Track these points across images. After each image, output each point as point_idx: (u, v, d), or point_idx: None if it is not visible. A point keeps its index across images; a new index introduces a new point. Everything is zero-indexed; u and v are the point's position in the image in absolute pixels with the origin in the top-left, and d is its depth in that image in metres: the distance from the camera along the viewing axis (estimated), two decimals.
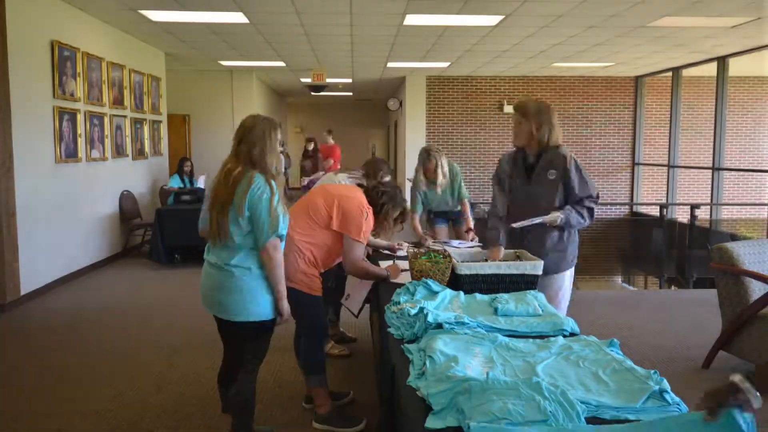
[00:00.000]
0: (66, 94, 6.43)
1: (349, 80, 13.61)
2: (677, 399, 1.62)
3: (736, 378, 1.25)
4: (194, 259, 7.62)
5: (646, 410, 1.57)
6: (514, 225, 3.09)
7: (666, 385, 1.68)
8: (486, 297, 2.61)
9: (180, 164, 8.91)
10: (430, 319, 2.17)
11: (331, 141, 12.56)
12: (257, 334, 2.66)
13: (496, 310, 2.43)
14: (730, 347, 3.94)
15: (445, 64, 11.13)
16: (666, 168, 11.81)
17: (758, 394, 1.24)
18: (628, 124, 13.03)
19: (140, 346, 4.52)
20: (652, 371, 1.76)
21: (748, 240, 4.72)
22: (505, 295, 2.56)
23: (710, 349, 4.07)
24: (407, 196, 4.39)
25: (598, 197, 3.14)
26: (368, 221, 3.05)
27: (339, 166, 11.71)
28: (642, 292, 8.67)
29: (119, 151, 7.94)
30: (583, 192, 3.08)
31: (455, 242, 4.60)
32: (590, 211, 3.08)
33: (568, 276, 3.19)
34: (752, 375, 1.33)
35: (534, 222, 3.04)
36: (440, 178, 4.85)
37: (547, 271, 2.96)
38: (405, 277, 3.15)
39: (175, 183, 8.68)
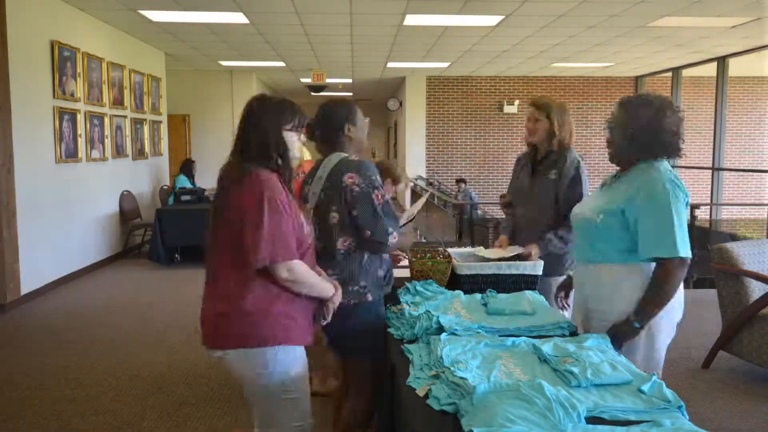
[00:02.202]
0: (66, 94, 6.43)
1: (349, 80, 13.61)
2: (679, 400, 1.62)
3: None
4: (194, 259, 7.65)
5: (648, 411, 1.57)
6: (489, 257, 2.92)
7: (664, 387, 1.67)
8: (480, 296, 2.61)
9: (190, 165, 9.03)
10: (443, 322, 2.16)
11: None
12: None
13: (486, 306, 2.43)
14: (730, 347, 3.94)
15: (445, 64, 11.13)
16: None
17: None
18: None
19: (140, 346, 4.52)
20: (653, 374, 1.75)
21: (748, 240, 4.73)
22: (500, 295, 2.55)
23: (710, 350, 4.07)
24: None
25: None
26: None
27: None
28: None
29: (119, 151, 7.94)
30: (566, 206, 2.82)
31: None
32: (562, 239, 2.94)
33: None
34: None
35: (509, 254, 2.90)
36: None
37: (545, 274, 2.86)
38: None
39: (183, 183, 8.74)
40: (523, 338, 2.07)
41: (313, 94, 14.73)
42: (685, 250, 2.05)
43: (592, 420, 1.53)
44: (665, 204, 2.06)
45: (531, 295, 2.57)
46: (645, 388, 1.65)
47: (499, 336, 2.11)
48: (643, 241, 2.10)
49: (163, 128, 9.86)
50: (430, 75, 12.81)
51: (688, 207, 2.19)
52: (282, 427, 2.06)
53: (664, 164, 2.17)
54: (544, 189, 3.02)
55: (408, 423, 1.64)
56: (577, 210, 2.39)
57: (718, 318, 4.07)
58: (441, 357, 1.87)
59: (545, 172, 3.03)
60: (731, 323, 3.87)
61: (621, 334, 2.09)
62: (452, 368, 1.76)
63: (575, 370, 1.73)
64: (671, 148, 2.16)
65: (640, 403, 1.59)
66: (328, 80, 12.22)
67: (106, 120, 7.47)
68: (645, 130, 2.13)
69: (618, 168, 2.30)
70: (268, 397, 2.04)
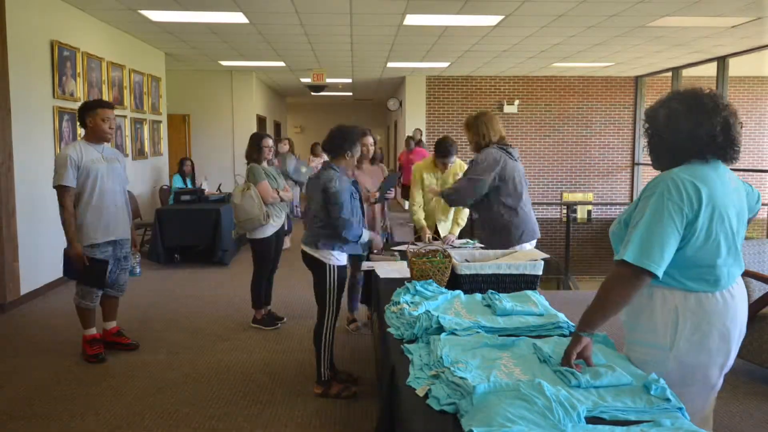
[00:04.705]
0: (66, 94, 6.43)
1: (349, 80, 13.61)
2: (679, 401, 1.62)
3: None
4: (194, 259, 7.66)
5: (648, 411, 1.57)
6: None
7: (665, 386, 1.67)
8: (480, 296, 2.61)
9: (182, 164, 8.93)
10: (443, 322, 2.16)
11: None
12: None
13: (492, 308, 2.43)
14: None
15: (445, 64, 11.13)
16: None
17: None
18: (628, 124, 13.04)
19: (140, 346, 4.51)
20: (653, 375, 1.75)
21: (748, 240, 4.73)
22: (501, 295, 2.56)
23: None
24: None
25: (467, 182, 3.84)
26: None
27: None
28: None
29: (119, 151, 7.93)
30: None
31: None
32: (455, 187, 3.95)
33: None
34: None
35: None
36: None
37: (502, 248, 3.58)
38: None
39: (178, 183, 8.69)
40: (523, 338, 2.07)
41: (313, 93, 14.74)
42: (635, 256, 1.73)
43: (592, 420, 1.53)
44: (647, 203, 1.78)
45: (533, 295, 2.58)
46: (650, 389, 1.64)
47: (499, 336, 2.12)
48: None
49: (163, 128, 9.86)
50: (430, 75, 12.81)
51: (684, 217, 1.75)
52: None
53: (691, 167, 1.82)
54: None
55: (408, 423, 1.64)
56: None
57: None
58: (441, 357, 1.87)
59: None
60: None
61: (569, 347, 1.83)
62: (452, 368, 1.76)
63: (576, 370, 1.73)
64: (691, 151, 1.82)
65: (640, 403, 1.59)
66: (328, 80, 12.22)
67: None
68: (658, 136, 1.88)
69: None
70: None
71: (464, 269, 2.81)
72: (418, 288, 2.67)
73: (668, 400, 1.61)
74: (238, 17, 7.07)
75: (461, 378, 1.69)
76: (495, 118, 3.98)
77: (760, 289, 3.79)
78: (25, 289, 5.71)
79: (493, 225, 3.93)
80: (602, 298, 1.80)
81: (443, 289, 2.71)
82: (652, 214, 1.74)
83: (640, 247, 1.73)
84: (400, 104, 14.30)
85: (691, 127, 1.79)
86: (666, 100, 1.88)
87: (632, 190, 13.15)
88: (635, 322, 1.90)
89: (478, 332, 2.15)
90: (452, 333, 2.11)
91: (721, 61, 9.76)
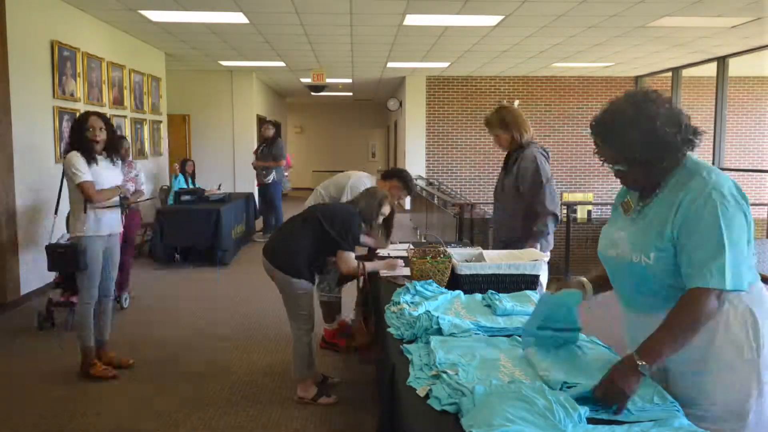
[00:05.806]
0: (66, 94, 6.43)
1: (349, 80, 13.60)
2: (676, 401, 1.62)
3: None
4: (194, 259, 7.66)
5: (648, 411, 1.57)
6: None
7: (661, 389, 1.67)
8: (480, 296, 2.61)
9: (183, 164, 8.94)
10: (442, 323, 2.16)
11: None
12: None
13: (492, 308, 2.43)
14: None
15: (445, 64, 11.13)
16: None
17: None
18: None
19: (140, 345, 4.51)
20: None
21: None
22: (501, 295, 2.55)
23: None
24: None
25: (549, 213, 3.37)
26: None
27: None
28: None
29: None
30: (530, 194, 3.38)
31: None
32: (546, 225, 3.38)
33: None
34: None
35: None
36: None
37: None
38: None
39: (182, 183, 8.68)
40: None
41: (313, 94, 14.73)
42: (735, 282, 1.56)
43: (593, 420, 1.53)
44: (704, 217, 1.61)
45: (533, 295, 2.58)
46: (649, 392, 1.63)
47: (497, 336, 2.12)
48: (684, 269, 1.62)
49: (163, 128, 9.86)
50: (430, 75, 12.81)
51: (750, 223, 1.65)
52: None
53: (703, 165, 1.72)
54: (509, 182, 3.51)
55: (408, 423, 1.64)
56: (609, 251, 1.89)
57: None
58: (437, 360, 1.87)
59: (510, 168, 3.52)
60: None
61: (618, 378, 1.58)
62: (450, 372, 1.77)
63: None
64: (675, 145, 1.68)
65: (640, 403, 1.59)
66: (328, 80, 12.22)
67: None
68: (642, 143, 1.67)
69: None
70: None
71: (464, 269, 2.81)
72: (418, 288, 2.67)
73: (668, 399, 1.61)
74: (238, 17, 7.07)
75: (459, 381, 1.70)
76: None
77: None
78: (25, 289, 5.71)
79: (538, 236, 3.47)
80: (685, 329, 1.59)
81: (443, 289, 2.71)
82: (726, 228, 1.58)
83: (739, 269, 1.56)
84: (400, 104, 14.30)
85: (659, 124, 1.66)
86: (646, 103, 1.70)
87: None
88: (708, 345, 1.63)
89: (477, 333, 2.15)
90: (451, 334, 2.11)
91: (721, 61, 9.75)
